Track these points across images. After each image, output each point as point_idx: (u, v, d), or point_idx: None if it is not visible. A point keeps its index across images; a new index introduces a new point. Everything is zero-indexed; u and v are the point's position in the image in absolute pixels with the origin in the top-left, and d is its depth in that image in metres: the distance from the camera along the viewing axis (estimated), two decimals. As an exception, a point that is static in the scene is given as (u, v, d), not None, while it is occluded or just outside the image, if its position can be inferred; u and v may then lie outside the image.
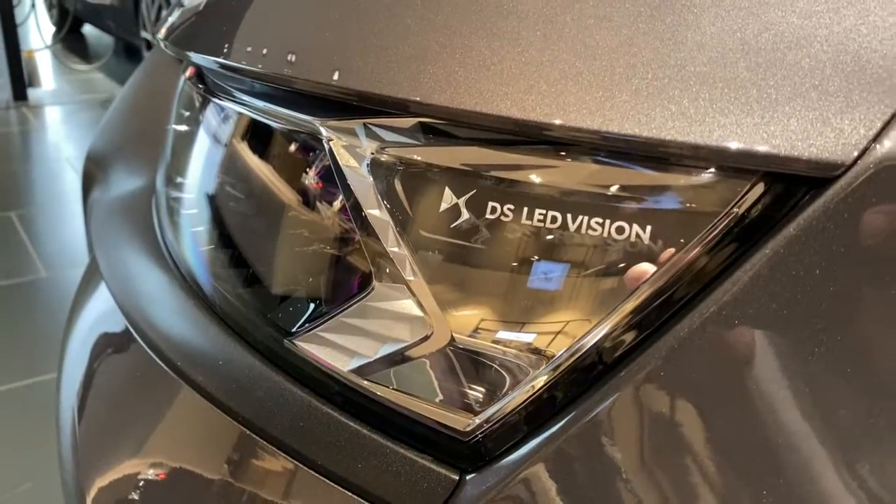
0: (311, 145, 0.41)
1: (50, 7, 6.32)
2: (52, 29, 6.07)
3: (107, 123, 0.90)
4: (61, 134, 3.86)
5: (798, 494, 0.29)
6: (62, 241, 2.56)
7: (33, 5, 4.96)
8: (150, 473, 0.46)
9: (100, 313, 0.62)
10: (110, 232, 0.66)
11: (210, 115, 0.52)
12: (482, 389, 0.36)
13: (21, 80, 4.20)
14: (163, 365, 0.49)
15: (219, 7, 0.52)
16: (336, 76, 0.36)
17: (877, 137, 0.27)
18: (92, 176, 0.83)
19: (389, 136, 0.36)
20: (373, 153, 0.36)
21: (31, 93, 4.28)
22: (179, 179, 0.56)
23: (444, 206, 0.35)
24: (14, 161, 3.38)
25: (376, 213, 0.36)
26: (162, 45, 0.58)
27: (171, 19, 0.61)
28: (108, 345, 0.59)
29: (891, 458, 0.28)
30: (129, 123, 0.87)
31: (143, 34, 4.41)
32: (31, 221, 2.68)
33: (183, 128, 0.58)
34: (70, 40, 5.90)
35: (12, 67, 4.14)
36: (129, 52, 5.63)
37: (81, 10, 5.50)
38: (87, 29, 6.44)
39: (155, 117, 0.76)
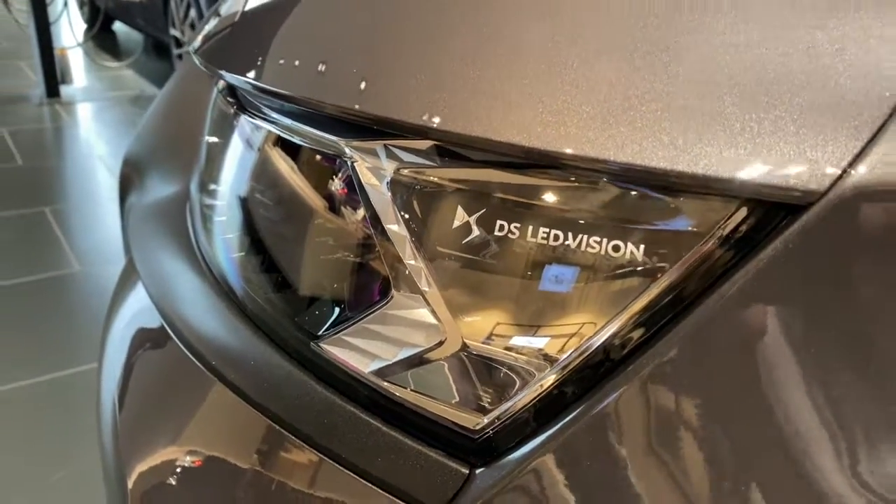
0: (336, 160, 0.44)
1: (81, 5, 6.43)
2: (84, 27, 6.18)
3: (143, 129, 0.93)
4: (92, 130, 3.93)
5: (797, 487, 0.31)
6: (94, 236, 2.61)
7: (65, 4, 5.04)
8: (187, 461, 0.49)
9: (137, 310, 0.64)
10: (147, 235, 0.69)
11: (241, 127, 0.55)
12: (491, 390, 0.39)
13: (54, 78, 4.27)
14: (196, 362, 0.51)
15: (250, 26, 0.54)
16: (360, 102, 0.39)
17: (848, 168, 0.29)
18: (129, 180, 0.87)
19: (408, 157, 0.39)
20: (393, 173, 0.39)
21: (64, 90, 4.35)
22: (212, 187, 0.58)
23: (456, 223, 0.38)
24: (47, 157, 3.45)
25: (395, 227, 0.39)
26: (195, 59, 0.61)
27: (206, 28, 0.64)
28: (145, 340, 0.61)
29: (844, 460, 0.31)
30: (165, 130, 0.89)
31: (172, 31, 4.48)
32: (64, 216, 2.74)
33: (216, 137, 0.61)
34: (101, 38, 6.00)
35: (45, 65, 4.21)
36: (159, 49, 5.71)
37: (112, 8, 5.59)
38: (118, 26, 6.53)
39: (189, 124, 0.78)
